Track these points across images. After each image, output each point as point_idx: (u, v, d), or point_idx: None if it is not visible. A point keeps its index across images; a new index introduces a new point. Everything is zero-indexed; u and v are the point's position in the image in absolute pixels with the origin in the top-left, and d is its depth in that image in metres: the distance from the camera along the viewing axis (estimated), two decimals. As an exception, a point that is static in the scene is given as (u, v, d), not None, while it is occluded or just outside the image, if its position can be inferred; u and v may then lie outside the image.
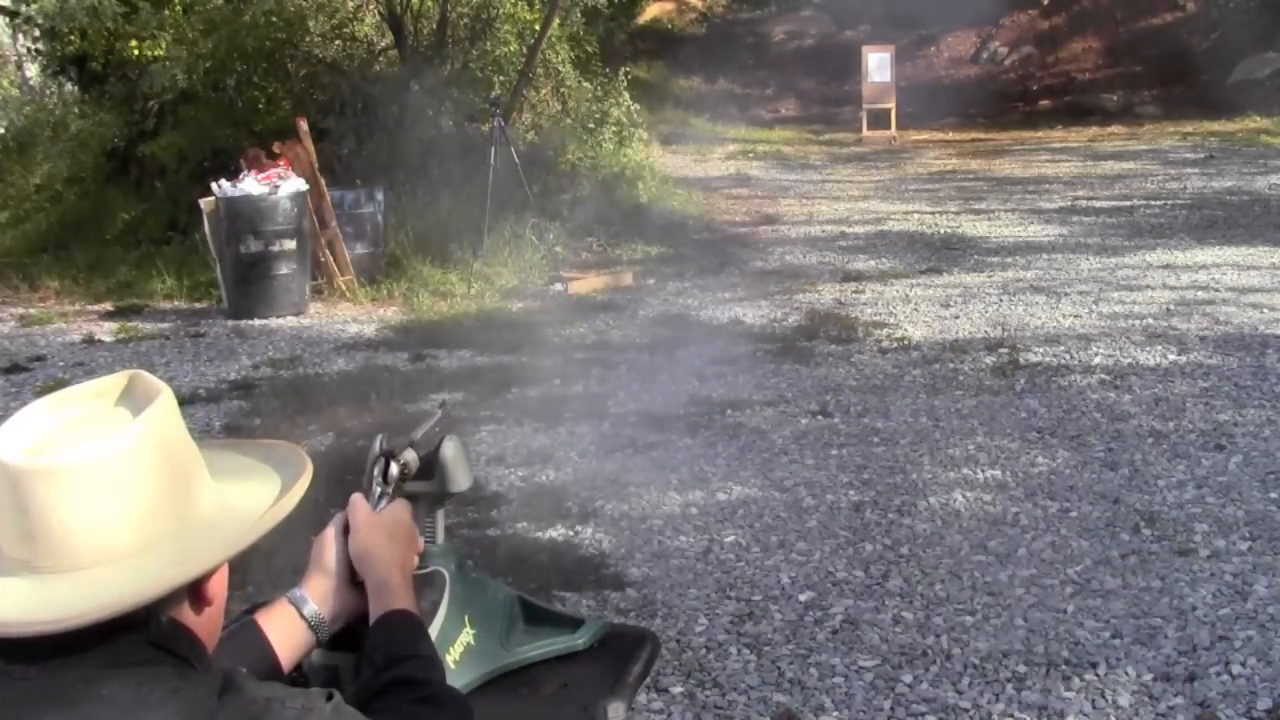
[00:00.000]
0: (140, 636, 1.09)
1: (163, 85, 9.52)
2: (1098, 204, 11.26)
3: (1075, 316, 6.98)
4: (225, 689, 1.09)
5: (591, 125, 11.56)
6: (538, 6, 11.72)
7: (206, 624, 1.18)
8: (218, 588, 1.19)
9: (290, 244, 8.05)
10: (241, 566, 1.37)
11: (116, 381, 1.19)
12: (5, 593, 1.09)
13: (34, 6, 9.34)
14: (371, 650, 1.33)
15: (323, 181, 8.73)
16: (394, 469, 1.48)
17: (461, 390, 6.07)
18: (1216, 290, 7.48)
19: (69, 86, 12.99)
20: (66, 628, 1.05)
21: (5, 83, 17.56)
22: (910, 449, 4.87)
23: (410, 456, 1.51)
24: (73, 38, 10.47)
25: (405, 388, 6.15)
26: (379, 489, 1.49)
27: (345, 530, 1.45)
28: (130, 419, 1.14)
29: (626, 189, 11.13)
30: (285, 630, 1.40)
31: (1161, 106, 17.58)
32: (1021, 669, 3.13)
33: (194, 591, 1.15)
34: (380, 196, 9.31)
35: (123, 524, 1.11)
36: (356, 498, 1.47)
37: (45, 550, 1.09)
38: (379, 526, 1.44)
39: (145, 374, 1.20)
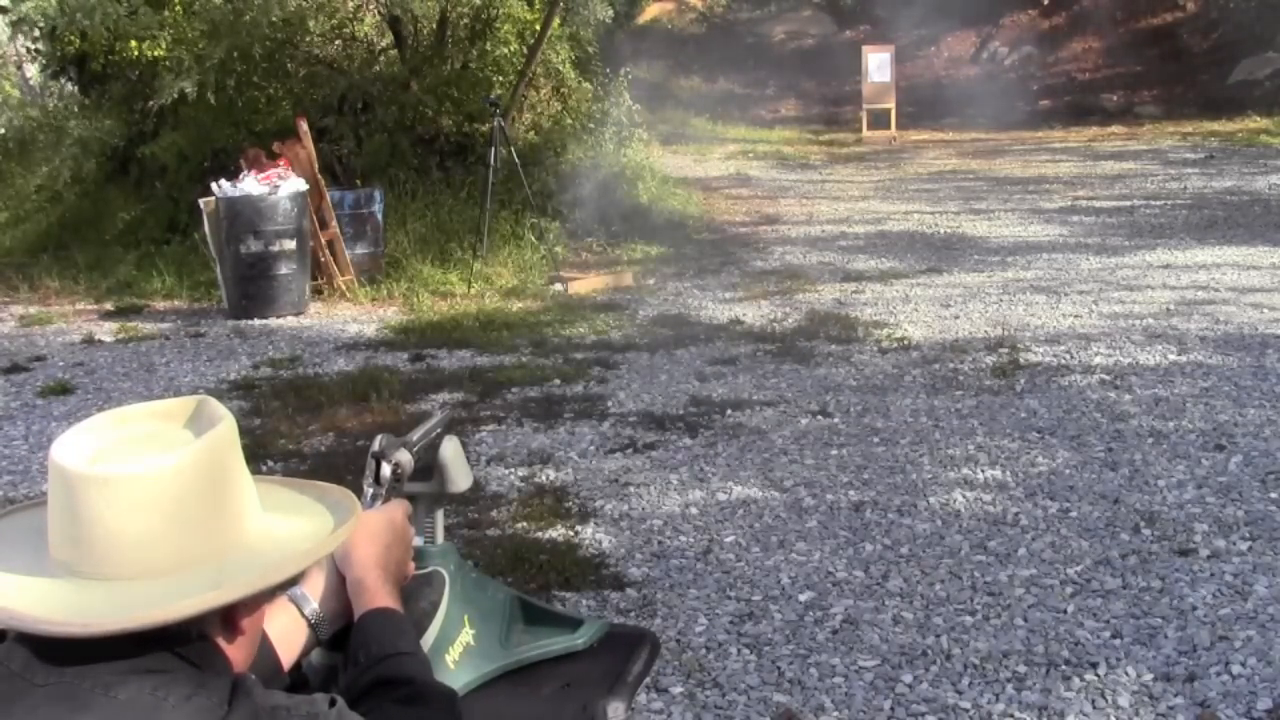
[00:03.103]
0: (168, 650, 1.11)
1: (172, 96, 9.53)
2: (1098, 204, 11.26)
3: (1075, 316, 6.99)
4: (234, 696, 1.10)
5: (591, 125, 11.56)
6: (538, 6, 11.72)
7: (236, 652, 1.19)
8: (252, 623, 1.20)
9: (290, 244, 8.05)
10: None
11: (185, 404, 1.22)
12: (45, 593, 1.11)
13: (30, 5, 9.33)
14: (354, 651, 1.34)
15: (323, 181, 8.73)
16: (385, 470, 1.48)
17: (461, 390, 6.08)
18: (1216, 290, 7.48)
19: (69, 87, 12.98)
20: (95, 634, 1.07)
21: (6, 84, 17.54)
22: (910, 449, 4.87)
23: (404, 458, 1.50)
24: (72, 38, 10.47)
25: (405, 388, 6.15)
26: (370, 490, 1.49)
27: None
28: (191, 440, 1.16)
29: (626, 189, 11.13)
30: (286, 629, 1.41)
31: (1161, 106, 17.59)
32: (1021, 669, 3.13)
33: (227, 620, 1.17)
34: (380, 196, 9.31)
35: (167, 541, 1.12)
36: None
37: (89, 556, 1.11)
38: (359, 527, 1.44)
39: (213, 400, 1.22)
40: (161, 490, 1.11)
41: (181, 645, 1.11)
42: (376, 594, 1.39)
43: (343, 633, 1.43)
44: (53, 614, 1.08)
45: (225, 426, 1.18)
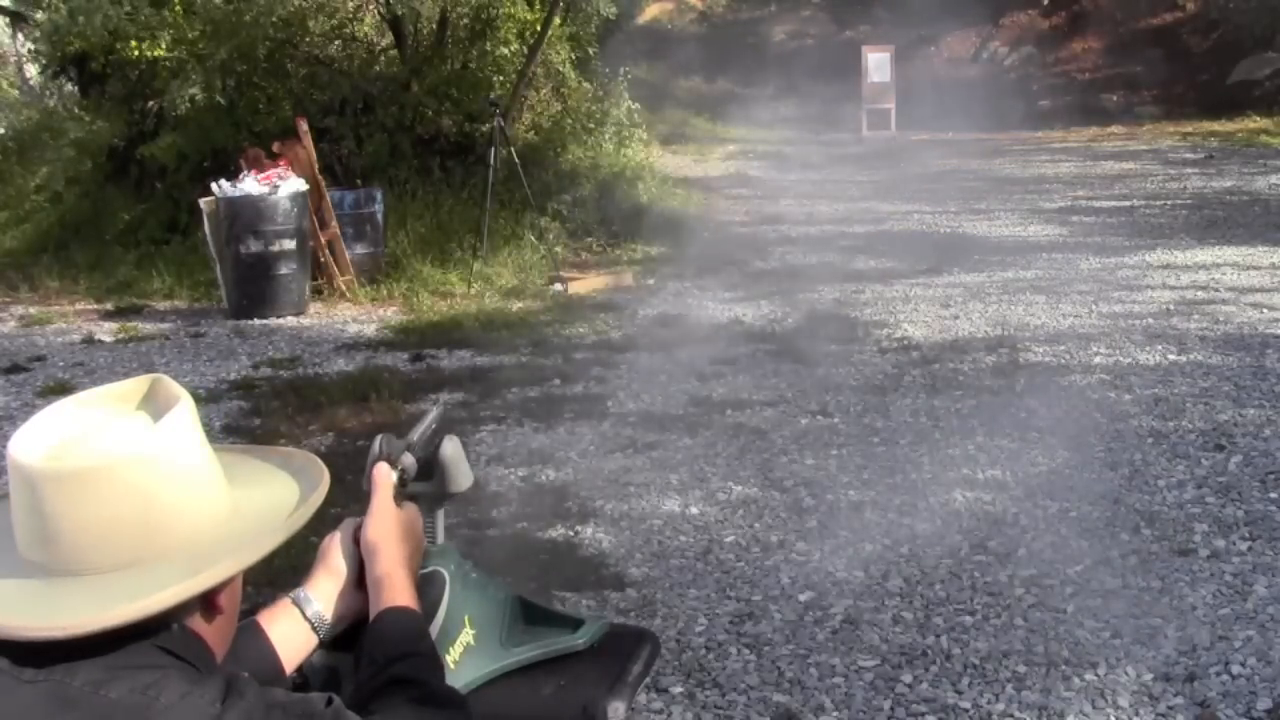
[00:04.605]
0: (151, 642, 1.10)
1: (184, 105, 9.54)
2: (1098, 204, 11.26)
3: (1075, 316, 6.98)
4: (228, 694, 1.09)
5: (591, 125, 11.57)
6: (538, 6, 11.72)
7: (216, 633, 1.18)
8: (230, 598, 1.19)
9: (290, 244, 8.05)
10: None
11: (138, 386, 1.19)
12: (19, 595, 1.09)
13: (44, 18, 9.42)
14: (371, 647, 1.32)
15: (323, 181, 8.73)
16: (392, 475, 1.47)
17: (461, 390, 6.07)
18: (1216, 290, 7.48)
19: (69, 87, 12.98)
20: (74, 635, 1.05)
21: (5, 84, 17.55)
22: (910, 449, 4.87)
23: (408, 460, 1.50)
24: (72, 38, 10.48)
25: (405, 388, 6.15)
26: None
27: (355, 535, 1.45)
28: (150, 424, 1.14)
29: (626, 189, 11.13)
30: (288, 631, 1.40)
31: (1161, 106, 17.59)
32: (1021, 669, 3.13)
33: (205, 601, 1.15)
34: (380, 196, 9.31)
35: (136, 531, 1.10)
36: (383, 468, 1.46)
37: (59, 554, 1.09)
38: (396, 520, 1.43)
39: (167, 379, 1.20)
40: (124, 480, 1.09)
41: (161, 636, 1.10)
42: (402, 592, 1.37)
43: (344, 634, 1.43)
44: (28, 618, 1.06)
45: (182, 407, 1.16)
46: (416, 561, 1.45)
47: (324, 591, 1.43)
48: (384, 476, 1.46)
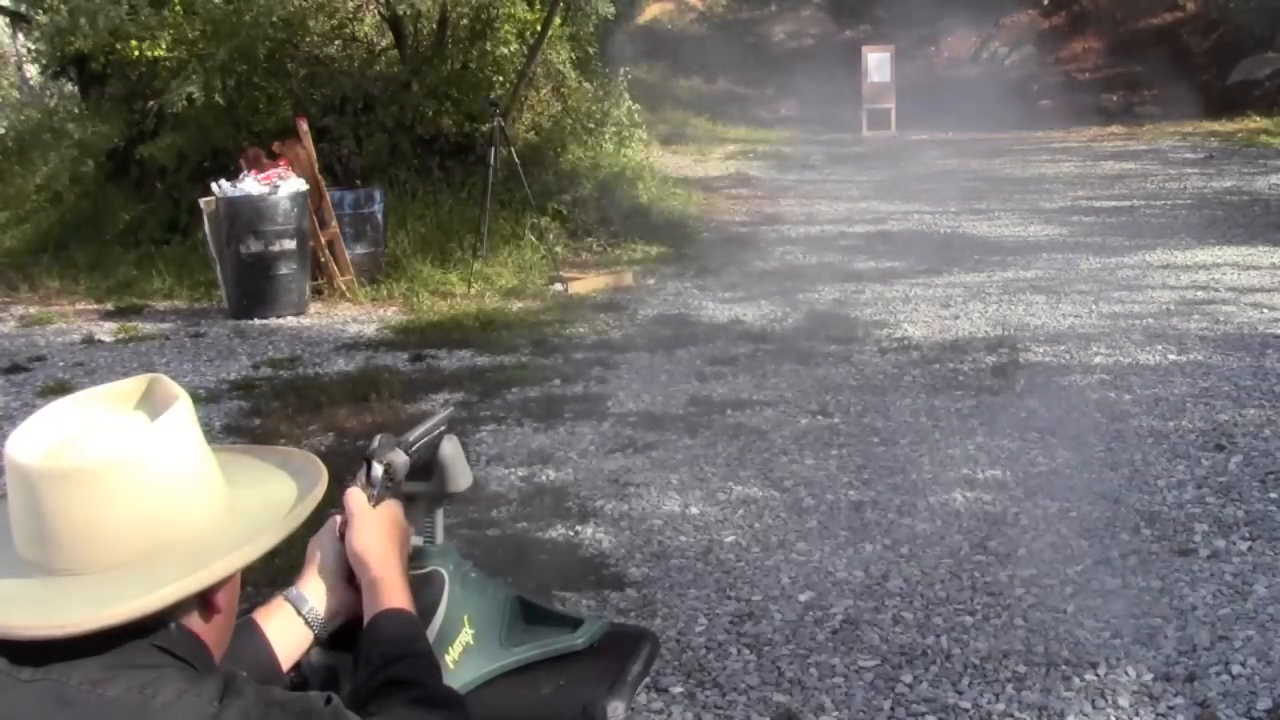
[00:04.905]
0: (148, 641, 1.10)
1: (181, 103, 9.55)
2: (1098, 204, 11.27)
3: (1075, 316, 6.98)
4: (226, 693, 1.09)
5: (591, 125, 11.56)
6: (538, 6, 11.72)
7: (214, 632, 1.18)
8: (227, 597, 1.19)
9: (290, 244, 8.05)
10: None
11: (136, 385, 1.19)
12: (17, 595, 1.09)
13: (45, 19, 9.42)
14: (366, 650, 1.32)
15: (323, 181, 8.73)
16: (376, 471, 1.46)
17: (461, 390, 6.07)
18: (1216, 290, 7.48)
19: (69, 87, 12.98)
20: (72, 634, 1.05)
21: (5, 83, 17.54)
22: (910, 449, 4.86)
23: (398, 458, 1.49)
24: (73, 38, 10.48)
25: (405, 388, 6.14)
26: (364, 492, 1.48)
27: (341, 530, 1.45)
28: (147, 424, 1.14)
29: (626, 189, 11.13)
30: (284, 629, 1.40)
31: (1161, 106, 17.59)
32: (1021, 669, 3.13)
33: (203, 600, 1.15)
34: (380, 196, 9.31)
35: (135, 529, 1.11)
36: (354, 492, 1.45)
37: (57, 553, 1.10)
38: (376, 524, 1.43)
39: (165, 379, 1.20)
40: (123, 479, 1.10)
41: (159, 635, 1.10)
42: (395, 594, 1.37)
43: (341, 632, 1.42)
44: (26, 617, 1.07)
45: (180, 406, 1.16)
46: (405, 553, 1.45)
47: (316, 589, 1.43)
48: (354, 495, 1.44)
